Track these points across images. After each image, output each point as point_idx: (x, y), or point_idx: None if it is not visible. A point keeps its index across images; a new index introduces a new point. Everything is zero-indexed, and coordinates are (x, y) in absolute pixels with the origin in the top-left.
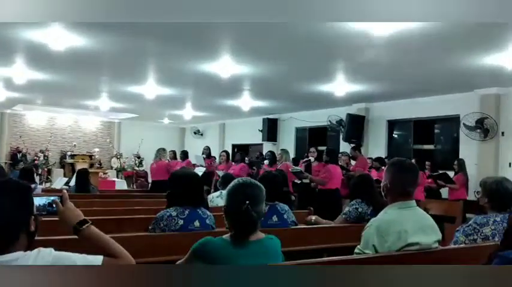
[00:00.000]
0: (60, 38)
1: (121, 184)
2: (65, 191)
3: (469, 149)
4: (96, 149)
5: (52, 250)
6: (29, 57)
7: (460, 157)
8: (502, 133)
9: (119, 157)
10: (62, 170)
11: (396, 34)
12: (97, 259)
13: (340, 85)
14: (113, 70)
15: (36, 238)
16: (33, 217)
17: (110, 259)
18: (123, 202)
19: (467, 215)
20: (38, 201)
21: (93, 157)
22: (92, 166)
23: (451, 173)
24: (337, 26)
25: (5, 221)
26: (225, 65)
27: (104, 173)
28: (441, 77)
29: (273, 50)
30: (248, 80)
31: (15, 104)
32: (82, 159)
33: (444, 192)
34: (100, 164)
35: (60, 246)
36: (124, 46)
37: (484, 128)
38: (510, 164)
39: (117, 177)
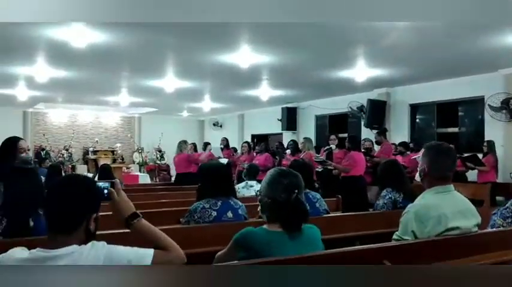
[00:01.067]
0: (81, 35)
1: (144, 178)
2: (117, 179)
3: (494, 130)
4: (118, 145)
5: (105, 243)
6: (51, 55)
7: (486, 138)
8: None
9: (140, 151)
10: (85, 166)
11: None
12: (148, 252)
13: (360, 70)
14: (133, 65)
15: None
16: (95, 215)
17: (160, 251)
18: (149, 195)
19: (497, 198)
20: None
21: (115, 152)
22: (114, 161)
23: (479, 155)
24: None
25: (71, 206)
26: (244, 55)
27: (127, 168)
28: (464, 58)
29: (292, 38)
30: (267, 69)
31: (37, 103)
32: (104, 155)
33: (470, 175)
34: (122, 159)
35: (109, 240)
36: (143, 41)
37: (509, 108)
38: None
39: (140, 171)
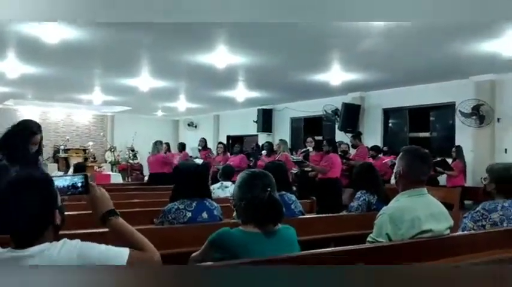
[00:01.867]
0: (53, 31)
1: (116, 178)
2: (91, 174)
3: (464, 136)
4: (90, 143)
5: (78, 241)
6: (21, 51)
7: (456, 144)
8: (498, 119)
9: (113, 150)
10: (56, 164)
11: (392, 23)
12: (124, 251)
13: (335, 74)
14: (107, 63)
15: (61, 232)
16: (57, 210)
17: (136, 251)
18: (121, 195)
19: (466, 202)
20: (61, 182)
21: (87, 151)
22: (86, 159)
23: (448, 160)
24: None
25: (29, 216)
26: (220, 56)
27: (99, 167)
28: (436, 64)
29: (269, 39)
30: (243, 70)
31: (6, 99)
32: (76, 153)
33: (441, 179)
34: (94, 157)
35: (85, 239)
36: (117, 38)
37: (479, 114)
38: (506, 150)
39: (112, 170)
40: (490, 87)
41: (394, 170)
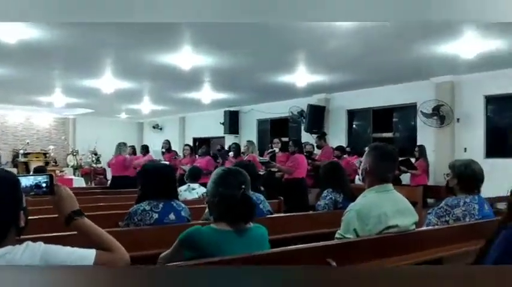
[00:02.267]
0: (10, 30)
1: (79, 182)
2: (53, 173)
3: (426, 136)
4: (51, 147)
5: (41, 243)
6: None
7: (418, 143)
8: (458, 120)
9: (75, 154)
10: (15, 169)
11: (356, 25)
12: (90, 252)
13: (301, 76)
14: (67, 63)
15: (27, 236)
16: (22, 211)
17: (102, 252)
18: (83, 199)
19: (428, 200)
20: (25, 181)
21: (47, 155)
22: (47, 164)
23: (411, 160)
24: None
25: None
26: (185, 56)
27: (60, 171)
28: (399, 66)
29: (233, 40)
30: (209, 71)
31: None
32: (36, 157)
33: (404, 178)
34: (55, 162)
35: (49, 242)
36: (79, 37)
37: (440, 115)
38: (465, 149)
39: (74, 175)
40: (450, 88)
41: (361, 167)
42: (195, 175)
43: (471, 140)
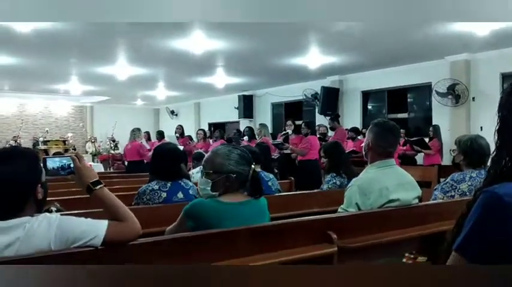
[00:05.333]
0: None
1: (97, 168)
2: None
3: (441, 115)
4: (69, 134)
5: (58, 214)
6: None
7: (433, 123)
8: (473, 98)
9: (93, 141)
10: None
11: None
12: (102, 222)
13: (313, 58)
14: (82, 51)
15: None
16: (40, 184)
17: (115, 222)
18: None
19: (441, 179)
20: (51, 164)
21: (66, 142)
22: (66, 151)
23: (426, 139)
24: None
25: (11, 188)
26: (197, 41)
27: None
28: (412, 46)
29: (246, 23)
30: (221, 55)
31: None
32: (56, 145)
33: (419, 159)
34: (74, 149)
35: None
36: (93, 25)
37: (455, 94)
38: (481, 128)
39: (93, 161)
40: (465, 66)
41: (363, 143)
42: (200, 159)
43: (487, 118)
